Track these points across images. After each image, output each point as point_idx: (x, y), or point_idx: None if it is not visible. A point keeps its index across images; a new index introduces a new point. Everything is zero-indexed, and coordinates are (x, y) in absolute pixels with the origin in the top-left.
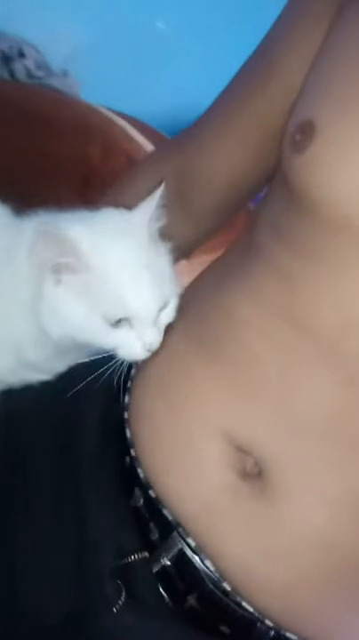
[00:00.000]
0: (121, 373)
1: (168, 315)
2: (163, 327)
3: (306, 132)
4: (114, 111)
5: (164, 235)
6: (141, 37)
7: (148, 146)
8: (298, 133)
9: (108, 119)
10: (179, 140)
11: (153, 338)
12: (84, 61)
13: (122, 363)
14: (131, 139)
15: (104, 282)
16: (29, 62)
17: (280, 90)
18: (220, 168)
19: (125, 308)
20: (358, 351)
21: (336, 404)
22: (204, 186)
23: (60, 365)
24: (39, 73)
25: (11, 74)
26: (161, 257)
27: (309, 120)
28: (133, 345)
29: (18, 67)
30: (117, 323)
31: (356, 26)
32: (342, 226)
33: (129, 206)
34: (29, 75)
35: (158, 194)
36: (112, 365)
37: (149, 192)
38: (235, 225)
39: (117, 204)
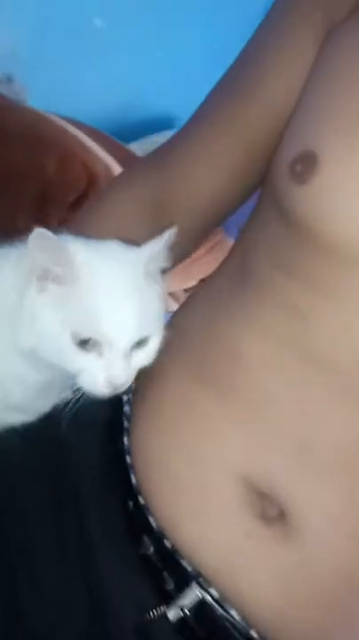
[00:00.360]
0: (76, 410)
1: (146, 356)
2: (135, 369)
3: (307, 162)
4: (64, 118)
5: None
6: (79, 36)
7: (104, 155)
8: (298, 164)
9: (61, 127)
10: (152, 160)
11: (120, 372)
12: (21, 64)
13: (80, 396)
14: (85, 147)
15: (86, 296)
16: None
17: (265, 108)
18: (199, 191)
19: (98, 327)
20: None
21: (353, 437)
22: (181, 210)
23: (46, 404)
24: None
25: None
26: (153, 294)
27: (310, 151)
28: (96, 374)
29: None
30: (86, 345)
31: (356, 50)
32: (346, 256)
33: (100, 231)
34: None
35: (167, 235)
36: (74, 396)
37: (122, 217)
38: None
39: (85, 228)
